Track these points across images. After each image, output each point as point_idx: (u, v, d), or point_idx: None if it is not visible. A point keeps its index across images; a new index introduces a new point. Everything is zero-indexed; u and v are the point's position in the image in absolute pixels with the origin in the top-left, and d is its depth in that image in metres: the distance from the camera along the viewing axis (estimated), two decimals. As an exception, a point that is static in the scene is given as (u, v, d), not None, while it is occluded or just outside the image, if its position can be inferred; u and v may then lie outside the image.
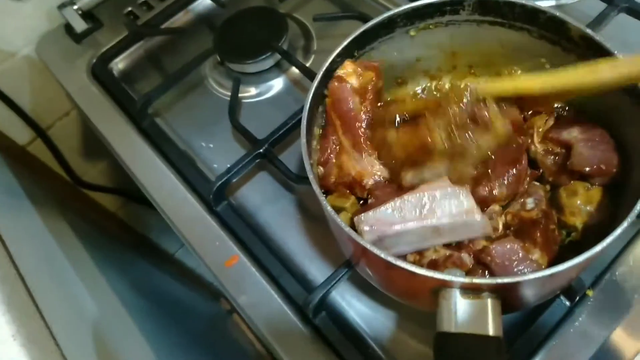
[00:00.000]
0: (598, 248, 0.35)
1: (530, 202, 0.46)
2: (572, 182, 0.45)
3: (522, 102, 0.47)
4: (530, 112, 0.50)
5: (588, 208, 0.43)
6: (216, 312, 1.39)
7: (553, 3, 0.70)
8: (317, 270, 0.55)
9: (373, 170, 0.48)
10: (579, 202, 0.43)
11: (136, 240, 1.22)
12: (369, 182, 0.48)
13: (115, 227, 1.13)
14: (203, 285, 1.37)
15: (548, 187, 0.47)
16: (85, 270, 0.73)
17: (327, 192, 0.48)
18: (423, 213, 0.40)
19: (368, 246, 0.37)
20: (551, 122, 0.49)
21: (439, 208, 0.40)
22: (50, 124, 0.90)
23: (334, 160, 0.48)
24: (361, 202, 0.49)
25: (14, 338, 0.38)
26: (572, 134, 0.47)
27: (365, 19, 0.66)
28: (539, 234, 0.41)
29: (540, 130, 0.49)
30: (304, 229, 0.58)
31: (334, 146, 0.48)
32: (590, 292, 0.48)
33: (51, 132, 0.90)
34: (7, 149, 0.85)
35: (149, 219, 1.20)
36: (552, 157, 0.48)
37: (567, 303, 0.48)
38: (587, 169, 0.44)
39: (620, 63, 0.42)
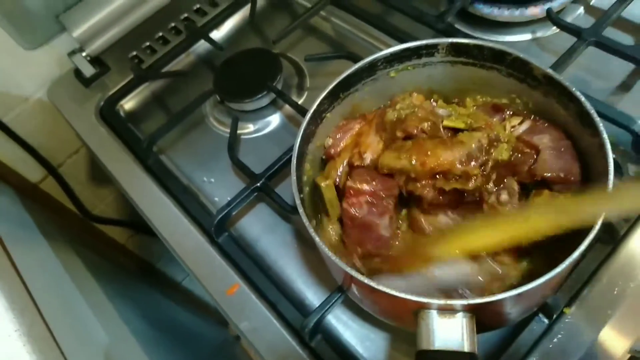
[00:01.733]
0: (558, 269, 0.38)
1: (504, 195, 0.48)
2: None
3: None
4: (510, 112, 0.55)
5: None
6: (224, 338, 1.42)
7: (529, 37, 0.75)
8: (313, 295, 0.59)
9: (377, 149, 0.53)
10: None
11: (144, 270, 1.26)
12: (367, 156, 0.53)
13: (124, 258, 1.17)
14: (210, 312, 1.40)
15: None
16: (95, 301, 0.77)
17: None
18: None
19: (352, 273, 0.41)
20: (525, 126, 0.53)
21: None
22: (61, 161, 0.95)
23: (346, 138, 0.55)
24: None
25: (35, 367, 0.42)
26: (542, 140, 0.51)
27: (352, 59, 0.71)
28: None
29: (513, 128, 0.54)
30: (301, 256, 0.62)
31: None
32: (567, 310, 0.51)
33: (62, 169, 0.96)
34: (20, 187, 0.90)
35: (156, 249, 1.25)
36: (519, 155, 0.52)
37: (546, 321, 0.52)
38: (548, 174, 0.48)
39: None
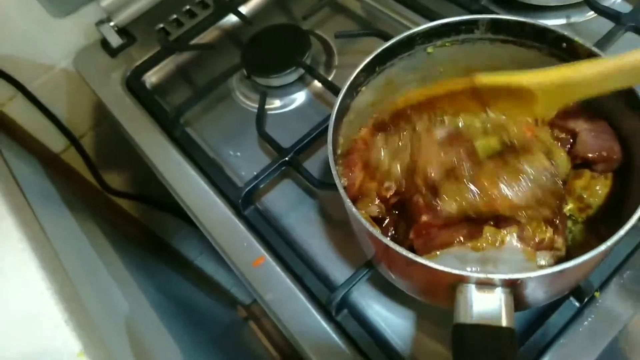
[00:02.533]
0: (602, 247, 0.37)
1: None
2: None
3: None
4: None
5: (592, 197, 0.46)
6: (233, 319, 1.43)
7: (564, 21, 0.74)
8: (338, 271, 0.59)
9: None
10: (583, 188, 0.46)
11: (158, 246, 1.27)
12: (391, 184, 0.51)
13: (139, 233, 1.18)
14: (221, 292, 1.41)
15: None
16: (115, 270, 0.77)
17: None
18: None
19: (389, 243, 0.40)
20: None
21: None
22: (83, 133, 0.95)
23: (357, 173, 0.52)
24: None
25: (66, 323, 0.42)
26: (578, 122, 0.50)
27: (383, 36, 0.70)
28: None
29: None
30: (326, 233, 0.62)
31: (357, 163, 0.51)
32: (598, 294, 0.51)
33: (84, 140, 0.96)
34: (43, 156, 0.90)
35: (171, 226, 1.25)
36: (557, 142, 0.50)
37: (577, 304, 0.51)
38: (590, 155, 0.47)
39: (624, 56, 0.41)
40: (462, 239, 0.42)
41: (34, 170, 0.81)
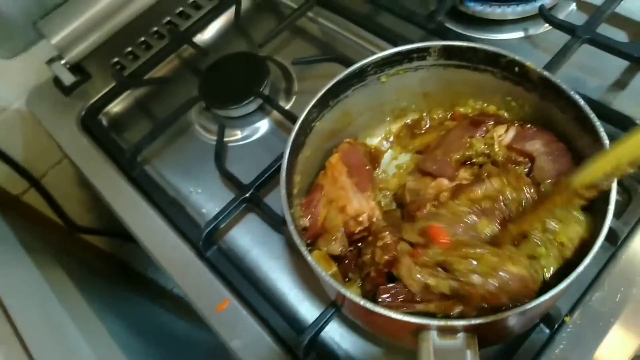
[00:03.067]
0: (563, 285, 0.37)
1: None
2: None
3: None
4: (491, 123, 0.53)
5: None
6: (217, 343, 1.39)
7: (522, 34, 0.73)
8: (306, 310, 0.57)
9: (369, 208, 0.50)
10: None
11: (133, 278, 1.23)
12: (364, 217, 0.50)
13: (113, 268, 1.15)
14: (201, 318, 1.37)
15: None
16: (82, 317, 0.74)
17: (313, 241, 0.50)
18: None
19: (347, 294, 0.39)
20: (512, 133, 0.52)
21: None
22: (43, 172, 0.92)
23: (320, 210, 0.50)
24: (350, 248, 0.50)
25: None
26: (535, 146, 0.50)
27: (341, 61, 0.69)
28: None
29: (500, 139, 0.52)
30: (293, 269, 0.60)
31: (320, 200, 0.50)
32: (568, 319, 0.50)
33: (45, 180, 0.93)
34: (1, 200, 0.87)
35: (145, 257, 1.21)
36: (514, 166, 0.50)
37: (547, 331, 0.50)
38: (548, 181, 0.47)
39: None
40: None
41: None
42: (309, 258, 0.41)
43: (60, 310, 0.68)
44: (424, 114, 0.60)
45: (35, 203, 0.93)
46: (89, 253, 1.07)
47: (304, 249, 0.42)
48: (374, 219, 0.50)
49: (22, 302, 0.59)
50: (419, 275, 0.40)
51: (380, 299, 0.41)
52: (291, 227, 0.43)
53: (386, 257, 0.45)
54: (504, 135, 0.52)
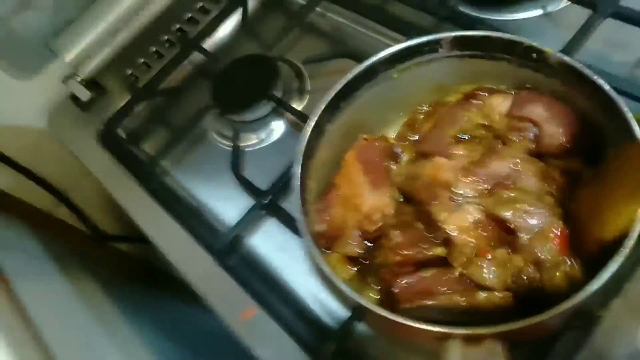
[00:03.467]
0: (595, 286, 0.35)
1: None
2: None
3: None
4: (485, 94, 0.51)
5: None
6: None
7: (540, 12, 0.70)
8: (333, 314, 0.56)
9: (383, 205, 0.49)
10: None
11: (164, 282, 1.25)
12: (377, 216, 0.49)
13: (143, 273, 1.17)
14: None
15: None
16: (114, 328, 0.75)
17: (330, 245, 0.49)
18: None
19: (369, 305, 0.38)
20: (508, 101, 0.50)
21: None
22: (72, 186, 0.94)
23: (335, 211, 0.49)
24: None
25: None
26: (536, 110, 0.47)
27: (352, 56, 0.67)
28: None
29: (498, 108, 0.50)
30: (316, 273, 0.59)
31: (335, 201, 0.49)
32: (602, 313, 0.48)
33: (74, 194, 0.95)
34: (32, 217, 0.90)
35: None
36: (518, 133, 0.48)
37: (582, 326, 0.48)
38: (560, 142, 0.45)
39: None
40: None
41: (18, 235, 0.80)
42: (325, 268, 0.40)
43: (92, 324, 0.70)
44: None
45: (67, 217, 0.95)
46: (120, 260, 1.09)
47: (319, 259, 0.41)
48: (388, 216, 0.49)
49: (53, 319, 0.61)
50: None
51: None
52: (306, 237, 0.42)
53: (397, 258, 0.43)
54: (501, 104, 0.50)
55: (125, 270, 1.09)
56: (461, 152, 0.48)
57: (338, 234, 0.49)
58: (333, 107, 0.51)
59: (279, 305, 0.56)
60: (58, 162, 0.91)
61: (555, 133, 0.46)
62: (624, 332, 0.47)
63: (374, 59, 0.50)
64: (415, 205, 0.48)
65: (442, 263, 0.43)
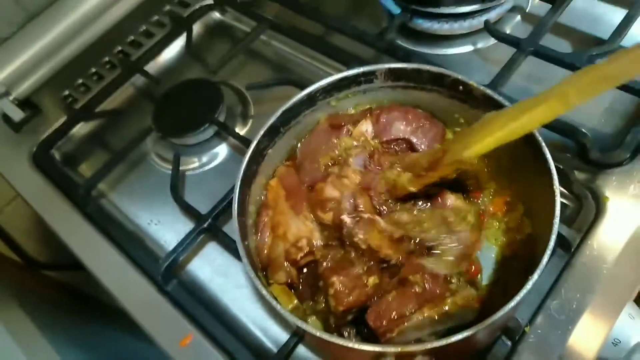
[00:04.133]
0: (512, 304, 0.37)
1: None
2: None
3: None
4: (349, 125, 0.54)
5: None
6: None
7: (471, 48, 0.75)
8: (272, 337, 0.56)
9: (307, 231, 0.49)
10: None
11: (101, 310, 1.20)
12: (303, 243, 0.49)
13: (77, 302, 1.11)
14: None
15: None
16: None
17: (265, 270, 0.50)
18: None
19: (304, 326, 0.38)
20: (368, 126, 0.53)
21: None
22: (-2, 211, 0.90)
23: (265, 239, 0.49)
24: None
25: None
26: (400, 128, 0.52)
27: (295, 84, 0.69)
28: None
29: (367, 135, 0.53)
30: (257, 298, 0.59)
31: (267, 221, 0.49)
32: (528, 329, 0.51)
33: (1, 219, 0.90)
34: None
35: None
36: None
37: (509, 343, 0.51)
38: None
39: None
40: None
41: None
42: (266, 294, 0.41)
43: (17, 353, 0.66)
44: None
45: (-8, 243, 0.90)
46: (51, 288, 1.04)
47: (258, 283, 0.41)
48: (314, 242, 0.49)
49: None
50: None
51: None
52: (244, 260, 0.42)
53: (341, 308, 0.43)
54: (365, 131, 0.53)
55: (58, 299, 1.04)
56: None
57: (268, 262, 0.50)
58: (273, 132, 0.52)
59: (219, 331, 0.56)
60: (-15, 185, 0.86)
61: (425, 141, 0.51)
62: (550, 345, 0.50)
63: (313, 87, 0.52)
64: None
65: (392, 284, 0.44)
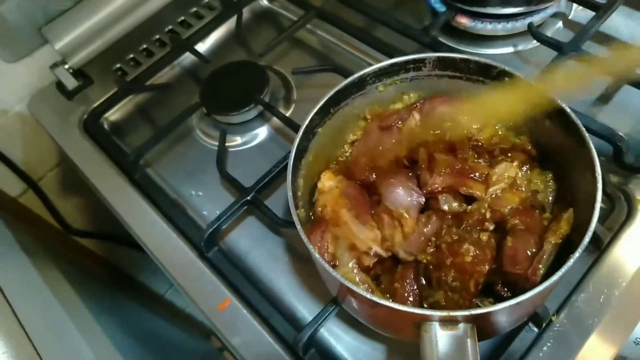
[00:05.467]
0: (555, 277, 0.39)
1: None
2: None
3: None
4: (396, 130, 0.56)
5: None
6: (207, 350, 1.40)
7: (511, 50, 0.77)
8: (306, 308, 0.59)
9: (376, 239, 0.50)
10: None
11: (126, 283, 1.24)
12: (377, 250, 0.49)
13: (105, 271, 1.15)
14: (193, 324, 1.38)
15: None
16: (79, 317, 0.75)
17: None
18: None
19: (354, 288, 0.41)
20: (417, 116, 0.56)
21: None
22: (41, 175, 0.93)
23: (328, 247, 0.50)
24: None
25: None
26: (443, 110, 0.55)
27: (339, 72, 0.72)
28: None
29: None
30: (292, 269, 0.62)
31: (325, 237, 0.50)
32: (555, 318, 0.53)
33: (42, 183, 0.93)
34: (1, 202, 0.88)
35: (138, 261, 1.23)
36: None
37: (535, 330, 0.53)
38: None
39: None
40: None
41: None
42: (316, 254, 0.43)
43: (59, 310, 0.69)
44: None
45: (32, 205, 0.94)
46: (83, 256, 1.07)
47: (310, 246, 0.44)
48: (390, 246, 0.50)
49: (24, 301, 0.60)
50: None
51: None
52: (298, 226, 0.45)
53: (486, 267, 0.46)
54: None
55: (89, 267, 1.08)
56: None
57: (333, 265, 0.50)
58: (324, 112, 0.54)
59: (255, 297, 0.59)
60: (31, 149, 0.90)
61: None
62: (574, 336, 0.52)
63: (364, 71, 0.54)
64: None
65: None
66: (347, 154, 0.59)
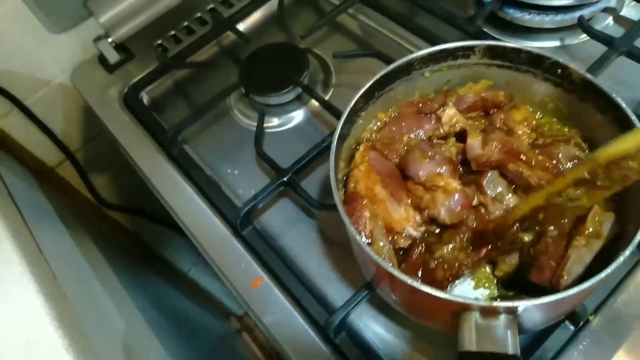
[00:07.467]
0: (602, 275, 0.38)
1: None
2: None
3: None
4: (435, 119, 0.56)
5: None
6: (226, 330, 1.42)
7: (558, 43, 0.75)
8: (337, 292, 0.59)
9: (413, 219, 0.50)
10: None
11: (151, 258, 1.26)
12: (411, 231, 0.49)
13: (134, 247, 1.17)
14: (214, 304, 1.40)
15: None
16: (112, 288, 0.77)
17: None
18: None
19: (395, 272, 0.41)
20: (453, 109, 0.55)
21: None
22: (78, 147, 0.95)
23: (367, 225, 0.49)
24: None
25: (67, 351, 0.42)
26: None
27: (380, 57, 0.71)
28: None
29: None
30: (324, 252, 0.62)
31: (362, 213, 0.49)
32: (592, 318, 0.52)
33: (79, 154, 0.95)
34: (38, 170, 0.90)
35: (164, 238, 1.25)
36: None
37: (572, 328, 0.52)
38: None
39: None
40: None
41: (29, 185, 0.81)
42: (357, 236, 0.43)
43: (94, 280, 0.71)
44: None
45: (68, 176, 0.96)
46: (114, 229, 1.10)
47: (352, 229, 0.44)
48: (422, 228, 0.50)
49: (63, 269, 0.62)
50: None
51: None
52: (340, 207, 0.45)
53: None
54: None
55: (119, 240, 1.10)
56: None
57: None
58: (368, 96, 0.54)
59: (288, 277, 0.59)
60: (70, 120, 0.92)
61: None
62: (610, 338, 0.51)
63: (412, 55, 0.54)
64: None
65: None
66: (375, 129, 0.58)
